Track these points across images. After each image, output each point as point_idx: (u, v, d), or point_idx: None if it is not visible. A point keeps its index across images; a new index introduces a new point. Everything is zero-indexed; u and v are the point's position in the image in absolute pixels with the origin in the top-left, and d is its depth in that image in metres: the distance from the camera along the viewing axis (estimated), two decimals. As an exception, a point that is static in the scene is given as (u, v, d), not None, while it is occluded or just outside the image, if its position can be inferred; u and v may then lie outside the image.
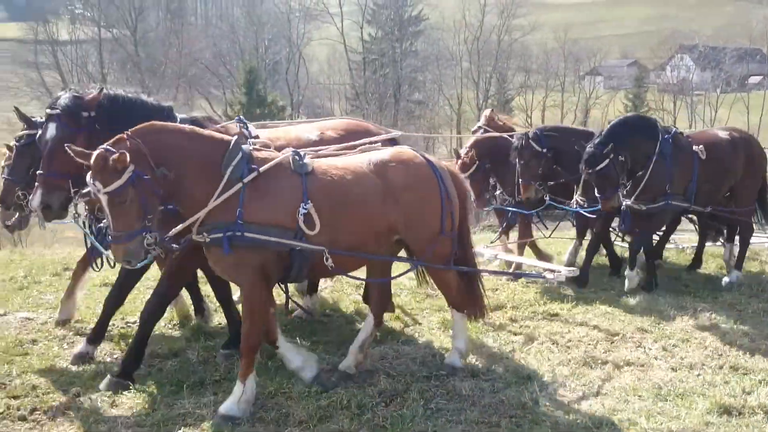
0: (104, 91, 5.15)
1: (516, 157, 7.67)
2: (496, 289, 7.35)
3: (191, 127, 4.67)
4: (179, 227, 4.42)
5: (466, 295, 5.31)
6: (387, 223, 4.79)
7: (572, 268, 6.63)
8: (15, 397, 4.72)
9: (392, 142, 6.33)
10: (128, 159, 4.05)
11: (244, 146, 4.56)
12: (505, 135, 8.13)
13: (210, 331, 6.05)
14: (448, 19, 56.53)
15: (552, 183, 7.74)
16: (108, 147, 4.11)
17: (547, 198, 7.80)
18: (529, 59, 57.20)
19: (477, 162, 8.13)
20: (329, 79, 54.56)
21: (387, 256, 5.05)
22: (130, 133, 4.21)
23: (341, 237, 4.62)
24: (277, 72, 52.04)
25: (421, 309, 6.78)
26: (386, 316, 5.87)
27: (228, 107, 41.77)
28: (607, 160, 6.76)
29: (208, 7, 73.29)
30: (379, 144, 5.60)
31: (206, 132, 4.67)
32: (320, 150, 5.25)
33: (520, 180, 7.72)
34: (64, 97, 5.12)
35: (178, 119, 5.38)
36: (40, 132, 5.17)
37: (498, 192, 8.43)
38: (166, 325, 6.18)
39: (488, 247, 8.61)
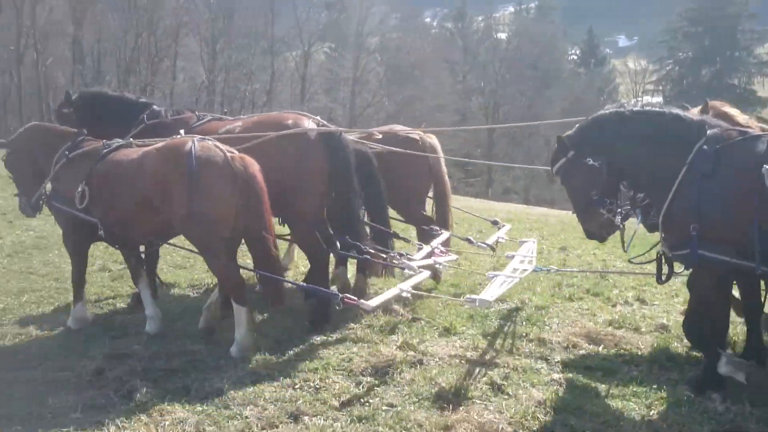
0: (69, 93, 7.33)
1: None
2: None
3: (58, 127, 6.58)
4: (38, 193, 6.29)
5: (264, 282, 5.80)
6: (146, 207, 5.49)
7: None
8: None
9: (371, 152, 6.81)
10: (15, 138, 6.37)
11: (83, 137, 6.13)
12: None
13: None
14: None
15: None
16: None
17: None
18: None
19: None
20: None
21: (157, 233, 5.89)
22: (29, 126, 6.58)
23: (109, 213, 5.73)
24: None
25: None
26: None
27: None
28: None
29: None
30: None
31: (65, 129, 6.42)
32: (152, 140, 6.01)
33: None
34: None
35: (152, 109, 7.04)
36: None
37: None
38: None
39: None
